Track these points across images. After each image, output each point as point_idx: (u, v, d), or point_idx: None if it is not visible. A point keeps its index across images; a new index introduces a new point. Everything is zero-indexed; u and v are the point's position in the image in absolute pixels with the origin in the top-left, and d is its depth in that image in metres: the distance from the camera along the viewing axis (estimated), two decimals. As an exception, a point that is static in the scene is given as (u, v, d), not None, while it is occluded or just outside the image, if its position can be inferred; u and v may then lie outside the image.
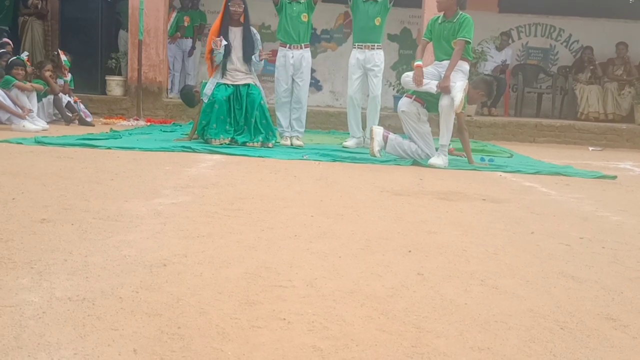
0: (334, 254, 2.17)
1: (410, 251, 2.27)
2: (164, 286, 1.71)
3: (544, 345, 1.46)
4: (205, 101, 5.81)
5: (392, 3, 6.31)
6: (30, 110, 6.70)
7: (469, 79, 5.35)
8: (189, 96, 6.37)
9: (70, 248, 2.03)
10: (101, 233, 2.25)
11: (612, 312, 1.72)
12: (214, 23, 6.00)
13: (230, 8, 5.84)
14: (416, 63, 5.16)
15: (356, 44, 6.49)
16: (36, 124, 6.58)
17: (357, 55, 6.46)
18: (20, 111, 6.55)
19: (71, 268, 1.82)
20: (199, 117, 5.94)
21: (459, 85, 4.98)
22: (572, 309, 1.73)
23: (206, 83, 5.96)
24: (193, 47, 10.46)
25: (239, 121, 5.83)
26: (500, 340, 1.47)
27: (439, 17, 5.33)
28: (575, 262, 2.26)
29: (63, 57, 7.95)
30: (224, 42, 5.74)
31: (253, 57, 5.90)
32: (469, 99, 5.22)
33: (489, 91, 5.31)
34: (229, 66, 5.89)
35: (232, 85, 5.84)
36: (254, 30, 6.07)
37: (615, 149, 8.78)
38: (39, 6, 9.88)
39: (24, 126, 6.38)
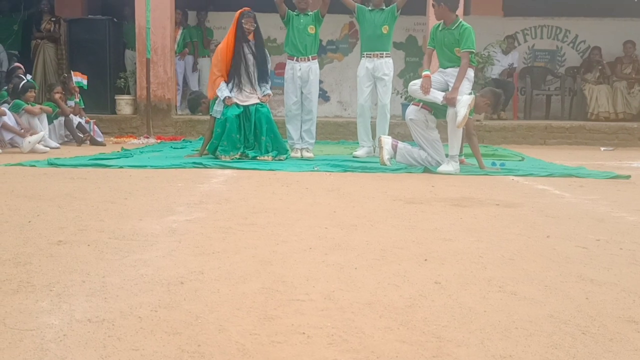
0: (350, 265, 2.17)
1: (426, 260, 2.26)
2: (182, 304, 1.72)
3: (566, 351, 1.45)
4: (217, 117, 5.85)
5: (399, 11, 6.34)
6: (32, 132, 6.71)
7: (476, 82, 5.36)
8: (195, 103, 6.53)
9: (88, 269, 2.04)
10: (117, 253, 2.26)
11: (634, 315, 1.71)
12: (224, 40, 6.03)
13: (244, 25, 5.89)
14: (424, 73, 5.17)
15: (365, 53, 6.52)
16: (49, 145, 6.70)
17: (366, 64, 6.49)
18: (21, 130, 6.60)
19: (89, 289, 1.83)
20: (209, 133, 5.98)
21: (465, 99, 4.98)
22: (592, 312, 1.72)
23: (215, 100, 5.99)
24: (195, 62, 10.56)
25: (249, 138, 5.86)
26: (521, 347, 1.46)
27: (439, 24, 5.35)
28: (594, 265, 2.24)
29: (78, 79, 8.00)
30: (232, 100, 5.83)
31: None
32: (475, 107, 5.26)
33: (495, 102, 5.38)
34: (240, 83, 5.92)
35: (242, 105, 5.87)
36: (266, 51, 6.14)
37: (627, 148, 8.71)
38: (52, 29, 10.02)
39: (29, 142, 6.43)
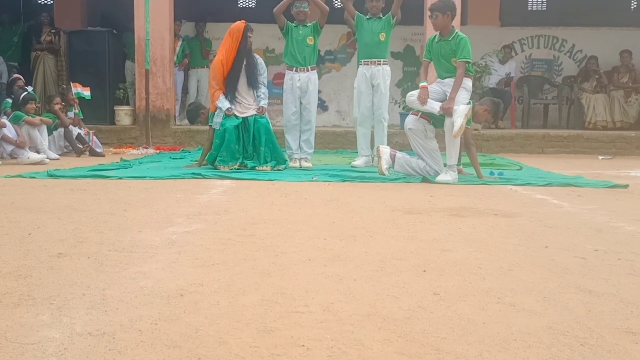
0: (349, 277, 2.17)
1: (425, 271, 2.27)
2: (182, 317, 1.72)
3: (565, 362, 1.45)
4: (216, 128, 5.88)
5: (395, 19, 6.39)
6: (28, 145, 6.74)
7: (474, 92, 5.39)
8: (194, 114, 6.57)
9: (88, 282, 2.04)
10: (117, 265, 2.27)
11: (632, 326, 1.71)
12: (220, 53, 6.05)
13: (250, 39, 5.97)
14: (422, 84, 5.20)
15: (362, 61, 6.56)
16: (49, 156, 6.72)
17: (364, 71, 6.53)
18: (22, 142, 6.62)
19: (90, 302, 1.83)
20: (208, 143, 6.00)
21: (461, 110, 5.01)
22: (591, 324, 1.72)
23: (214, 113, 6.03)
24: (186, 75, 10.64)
25: (248, 149, 5.89)
26: (520, 360, 1.47)
27: (435, 36, 5.39)
28: (592, 276, 2.25)
29: (79, 90, 8.02)
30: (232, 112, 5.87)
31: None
32: (475, 116, 5.30)
33: (495, 110, 5.42)
34: (237, 94, 5.97)
35: (241, 116, 5.91)
36: (257, 56, 6.19)
37: (626, 157, 8.74)
38: (52, 41, 10.08)
39: (28, 158, 6.48)
